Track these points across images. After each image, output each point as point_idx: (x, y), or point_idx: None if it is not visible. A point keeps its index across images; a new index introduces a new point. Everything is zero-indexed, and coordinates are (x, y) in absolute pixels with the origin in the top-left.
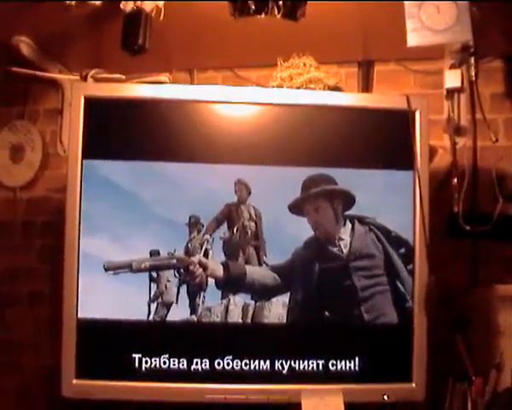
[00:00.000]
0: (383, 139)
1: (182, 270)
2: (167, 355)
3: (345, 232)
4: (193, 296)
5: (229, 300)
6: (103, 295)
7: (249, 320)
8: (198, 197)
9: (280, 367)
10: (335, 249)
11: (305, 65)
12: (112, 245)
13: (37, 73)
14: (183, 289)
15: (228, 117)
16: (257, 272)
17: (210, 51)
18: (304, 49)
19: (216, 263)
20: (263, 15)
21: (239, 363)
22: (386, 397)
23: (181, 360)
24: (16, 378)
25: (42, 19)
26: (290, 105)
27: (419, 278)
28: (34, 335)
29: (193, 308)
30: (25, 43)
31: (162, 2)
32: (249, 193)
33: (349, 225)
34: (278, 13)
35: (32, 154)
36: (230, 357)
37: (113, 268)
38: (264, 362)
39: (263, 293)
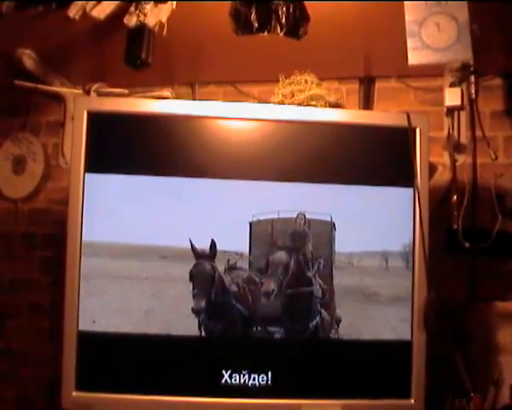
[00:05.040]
0: (383, 156)
1: None
2: (168, 369)
3: None
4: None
5: None
6: (104, 307)
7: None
8: (200, 212)
9: (279, 382)
10: None
11: (306, 82)
12: (113, 259)
13: (40, 85)
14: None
15: (229, 132)
16: None
17: (212, 66)
18: (305, 66)
19: None
20: (265, 33)
21: (238, 377)
22: None
23: (181, 374)
24: (16, 389)
25: (45, 32)
26: (291, 121)
27: (418, 295)
28: (34, 346)
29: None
30: (28, 55)
31: (166, 16)
32: None
33: None
34: (281, 31)
35: (34, 165)
36: (230, 371)
37: None
38: (264, 376)
39: None
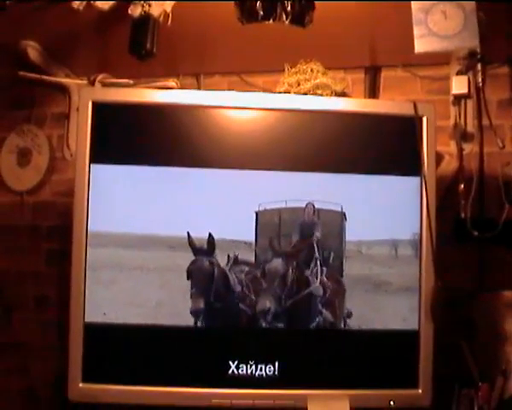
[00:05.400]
0: (390, 145)
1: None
2: (175, 360)
3: None
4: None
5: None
6: (110, 299)
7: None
8: (206, 202)
9: (286, 372)
10: None
11: (312, 71)
12: (119, 250)
13: (45, 77)
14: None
15: (235, 122)
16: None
17: (217, 56)
18: (311, 55)
19: None
20: (271, 21)
21: (245, 368)
22: (392, 403)
23: (187, 365)
24: (23, 381)
25: (49, 23)
26: (297, 111)
27: (425, 284)
28: (41, 338)
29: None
30: (32, 47)
31: (170, 6)
32: None
33: None
34: (286, 19)
35: (39, 158)
36: (237, 361)
37: None
38: (271, 367)
39: None
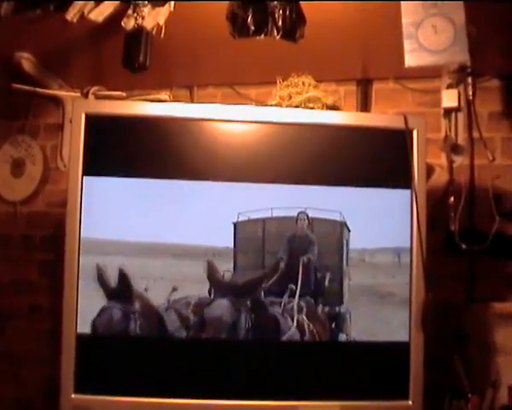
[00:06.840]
0: (381, 158)
1: None
2: (166, 371)
3: None
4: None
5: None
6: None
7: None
8: (199, 215)
9: (277, 383)
10: None
11: (303, 84)
12: (112, 261)
13: (38, 89)
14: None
15: (227, 135)
16: None
17: (210, 68)
18: (303, 67)
19: None
20: (262, 36)
21: (236, 379)
22: None
23: (180, 376)
24: (15, 391)
25: (43, 35)
26: (288, 124)
27: (416, 296)
28: (34, 348)
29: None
30: (26, 59)
31: (163, 19)
32: None
33: None
34: (277, 34)
35: (33, 168)
36: (228, 373)
37: None
38: (262, 378)
39: None
